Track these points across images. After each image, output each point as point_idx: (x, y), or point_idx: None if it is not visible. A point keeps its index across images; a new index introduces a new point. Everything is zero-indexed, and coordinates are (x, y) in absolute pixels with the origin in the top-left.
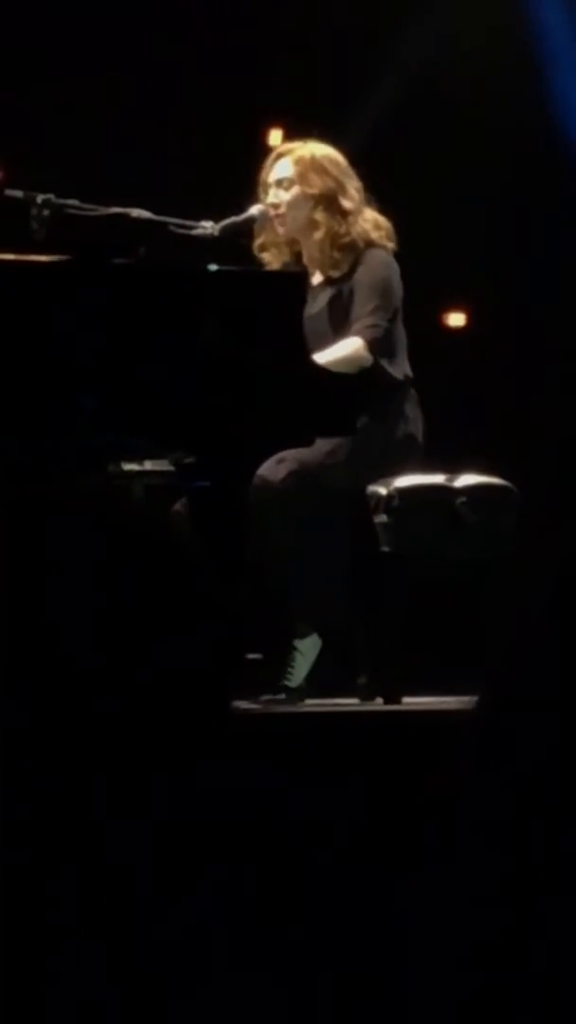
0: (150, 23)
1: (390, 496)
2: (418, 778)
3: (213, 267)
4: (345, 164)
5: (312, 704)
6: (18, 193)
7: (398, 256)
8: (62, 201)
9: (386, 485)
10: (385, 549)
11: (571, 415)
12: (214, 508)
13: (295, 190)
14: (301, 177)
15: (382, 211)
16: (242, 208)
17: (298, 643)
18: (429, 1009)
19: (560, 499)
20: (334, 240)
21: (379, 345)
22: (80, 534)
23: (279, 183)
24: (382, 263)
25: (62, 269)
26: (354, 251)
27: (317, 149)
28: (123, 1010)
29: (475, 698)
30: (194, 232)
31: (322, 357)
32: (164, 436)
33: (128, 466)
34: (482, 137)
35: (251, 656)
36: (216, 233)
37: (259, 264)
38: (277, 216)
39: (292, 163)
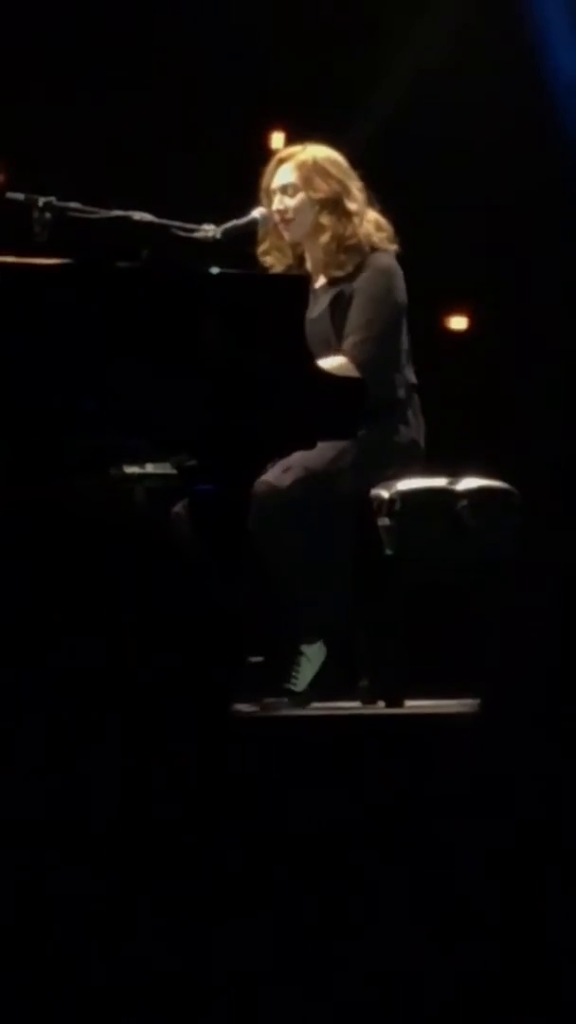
0: (152, 25)
1: (392, 500)
2: (419, 781)
3: (215, 270)
4: (346, 165)
5: (314, 707)
6: (20, 196)
7: (400, 258)
8: (64, 204)
9: (388, 489)
10: (387, 552)
11: (573, 418)
12: (216, 511)
13: (300, 196)
14: (305, 182)
15: (384, 212)
16: (244, 211)
17: (305, 648)
18: (429, 1009)
19: (562, 503)
20: (340, 242)
21: (368, 364)
22: (81, 536)
23: (283, 189)
24: (384, 270)
25: (64, 272)
26: (359, 252)
27: (318, 152)
28: (123, 1010)
29: (476, 701)
30: (196, 235)
31: None
32: (166, 439)
33: (130, 469)
34: (484, 138)
35: (253, 659)
36: (218, 236)
37: (261, 267)
38: (284, 222)
39: (294, 168)
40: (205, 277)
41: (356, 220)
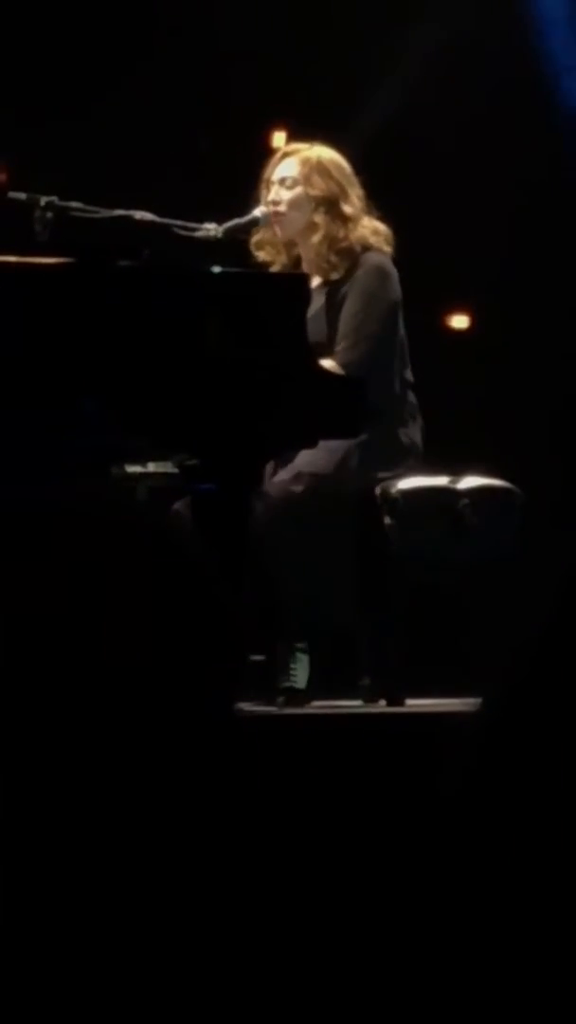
0: (154, 24)
1: (393, 499)
2: (421, 780)
3: (216, 269)
4: (350, 171)
5: (315, 706)
6: (22, 195)
7: (400, 258)
8: (66, 203)
9: (389, 487)
10: (389, 551)
11: (574, 417)
12: (218, 509)
13: (297, 190)
14: (305, 178)
15: (385, 212)
16: (246, 210)
17: (300, 645)
18: (429, 1009)
19: (564, 501)
20: (331, 244)
21: (361, 366)
22: (82, 536)
23: (282, 181)
24: (377, 269)
25: (66, 272)
26: (351, 256)
27: (324, 152)
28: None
29: (478, 700)
30: (197, 234)
31: None
32: (168, 438)
33: (132, 468)
34: (486, 137)
35: (255, 658)
36: (219, 235)
37: (261, 265)
38: (276, 215)
39: (298, 163)
40: (206, 276)
41: (350, 225)
